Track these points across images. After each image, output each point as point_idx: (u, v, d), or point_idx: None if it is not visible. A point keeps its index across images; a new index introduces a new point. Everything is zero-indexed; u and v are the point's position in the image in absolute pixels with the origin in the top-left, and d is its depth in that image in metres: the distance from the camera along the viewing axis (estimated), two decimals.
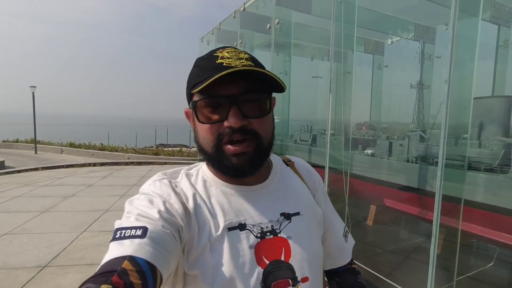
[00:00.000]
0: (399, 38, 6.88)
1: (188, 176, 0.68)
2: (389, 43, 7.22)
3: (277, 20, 4.33)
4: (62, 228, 4.26)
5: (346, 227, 0.83)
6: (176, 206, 0.60)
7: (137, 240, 0.50)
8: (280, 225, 0.65)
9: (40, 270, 3.11)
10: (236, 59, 0.60)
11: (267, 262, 0.60)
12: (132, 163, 11.32)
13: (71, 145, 14.47)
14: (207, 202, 0.63)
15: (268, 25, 4.57)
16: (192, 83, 0.61)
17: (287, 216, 0.66)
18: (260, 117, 0.61)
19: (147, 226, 0.53)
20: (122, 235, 0.52)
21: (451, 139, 3.68)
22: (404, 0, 5.32)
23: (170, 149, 14.93)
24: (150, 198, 0.60)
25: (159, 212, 0.56)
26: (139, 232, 0.52)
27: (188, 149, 15.08)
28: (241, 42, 5.76)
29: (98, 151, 13.23)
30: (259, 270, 0.59)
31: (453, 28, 2.26)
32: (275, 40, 4.76)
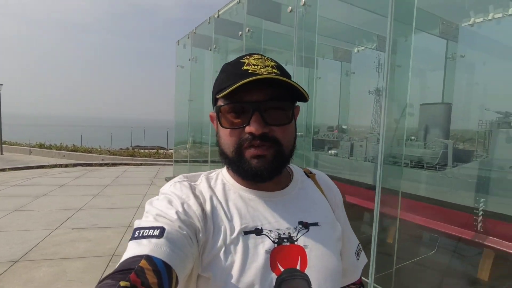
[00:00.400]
0: (364, 47, 7.43)
1: (208, 179, 0.69)
2: (355, 51, 7.76)
3: (247, 28, 4.64)
4: (34, 226, 4.31)
5: (360, 245, 0.82)
6: (194, 208, 0.60)
7: (154, 240, 0.51)
8: (298, 233, 0.64)
9: (13, 264, 3.20)
10: (262, 66, 0.61)
11: (282, 269, 0.59)
12: (106, 164, 11.21)
13: (41, 146, 14.01)
14: (224, 205, 0.63)
15: (240, 32, 4.86)
16: (217, 88, 0.63)
17: (306, 225, 0.65)
18: (282, 125, 0.62)
19: (165, 226, 0.54)
20: (140, 235, 0.53)
21: (402, 141, 4.15)
22: (367, 15, 5.82)
23: (146, 151, 14.81)
24: (169, 198, 0.61)
25: (177, 213, 0.57)
26: (156, 232, 0.53)
27: (165, 151, 15.01)
28: (215, 47, 6.03)
29: (70, 152, 12.91)
30: (272, 276, 0.58)
31: (388, 39, 2.64)
32: (248, 46, 5.06)
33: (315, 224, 0.66)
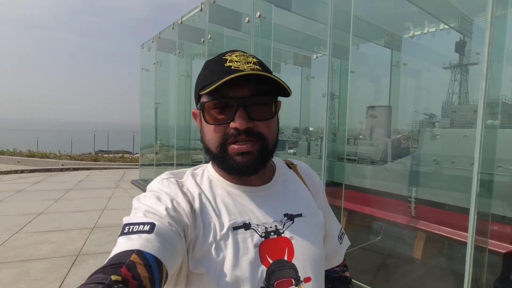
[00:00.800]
0: (321, 54, 7.99)
1: (193, 176, 0.69)
2: (314, 57, 8.31)
3: (209, 36, 4.89)
4: None
5: (342, 229, 0.85)
6: (183, 204, 0.61)
7: (144, 235, 0.52)
8: (284, 225, 0.66)
9: None
10: (244, 63, 0.61)
11: (271, 261, 0.61)
12: (67, 169, 10.79)
13: None
14: (212, 202, 0.64)
15: (202, 39, 5.11)
16: (200, 85, 0.63)
17: (290, 217, 0.67)
18: (266, 120, 0.63)
19: (155, 222, 0.54)
20: (130, 230, 0.53)
21: (351, 139, 4.64)
22: (321, 25, 6.33)
23: (111, 155, 14.32)
24: (158, 195, 0.61)
25: (167, 209, 0.58)
26: (146, 228, 0.53)
27: (131, 155, 14.62)
28: (179, 52, 6.20)
29: (25, 158, 12.19)
30: (262, 269, 0.60)
31: (329, 47, 3.04)
32: (210, 51, 5.31)
33: (299, 215, 0.69)
